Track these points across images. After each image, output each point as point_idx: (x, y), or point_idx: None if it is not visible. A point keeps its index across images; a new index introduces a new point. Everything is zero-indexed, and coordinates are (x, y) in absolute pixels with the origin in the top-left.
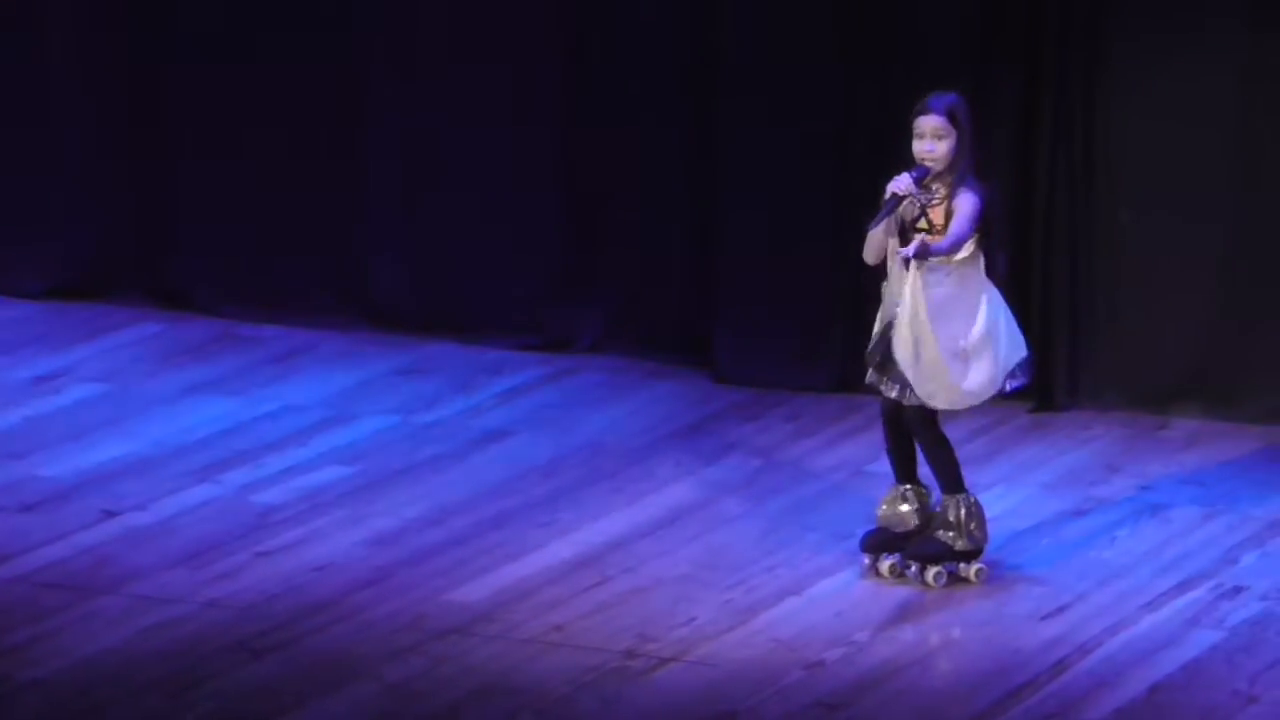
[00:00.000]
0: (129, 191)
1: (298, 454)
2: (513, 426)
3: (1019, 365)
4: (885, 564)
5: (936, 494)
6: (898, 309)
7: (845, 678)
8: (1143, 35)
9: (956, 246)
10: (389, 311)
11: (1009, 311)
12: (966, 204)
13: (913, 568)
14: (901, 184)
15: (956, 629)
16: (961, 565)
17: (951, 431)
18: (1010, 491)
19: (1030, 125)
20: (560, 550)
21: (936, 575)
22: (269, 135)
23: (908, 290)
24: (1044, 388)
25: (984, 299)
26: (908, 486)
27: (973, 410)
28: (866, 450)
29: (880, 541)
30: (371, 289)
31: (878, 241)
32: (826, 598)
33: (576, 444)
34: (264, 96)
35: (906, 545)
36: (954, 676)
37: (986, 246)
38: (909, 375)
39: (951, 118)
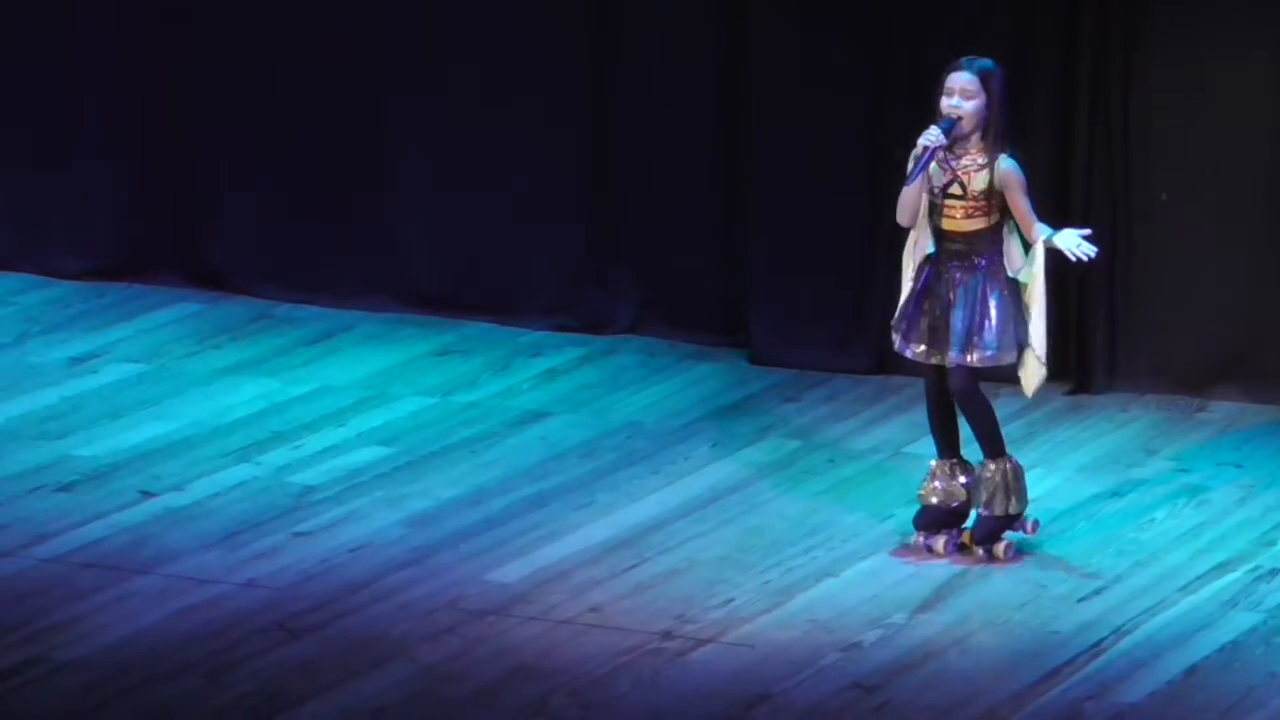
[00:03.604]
0: (167, 172)
1: (335, 434)
2: (550, 408)
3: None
4: (939, 541)
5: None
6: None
7: (882, 659)
8: (1181, 15)
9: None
10: (426, 293)
11: None
12: (1017, 179)
13: (981, 550)
14: (930, 136)
15: (993, 611)
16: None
17: None
18: (1048, 473)
19: (1067, 110)
20: (597, 531)
21: (1006, 549)
22: (305, 116)
23: (1039, 269)
24: (1082, 370)
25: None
26: (954, 460)
27: (1010, 392)
28: (905, 432)
29: (935, 519)
30: (408, 270)
31: (912, 201)
32: (864, 579)
33: (614, 425)
34: (298, 80)
35: (958, 520)
36: (991, 658)
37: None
38: (1037, 343)
39: (983, 79)
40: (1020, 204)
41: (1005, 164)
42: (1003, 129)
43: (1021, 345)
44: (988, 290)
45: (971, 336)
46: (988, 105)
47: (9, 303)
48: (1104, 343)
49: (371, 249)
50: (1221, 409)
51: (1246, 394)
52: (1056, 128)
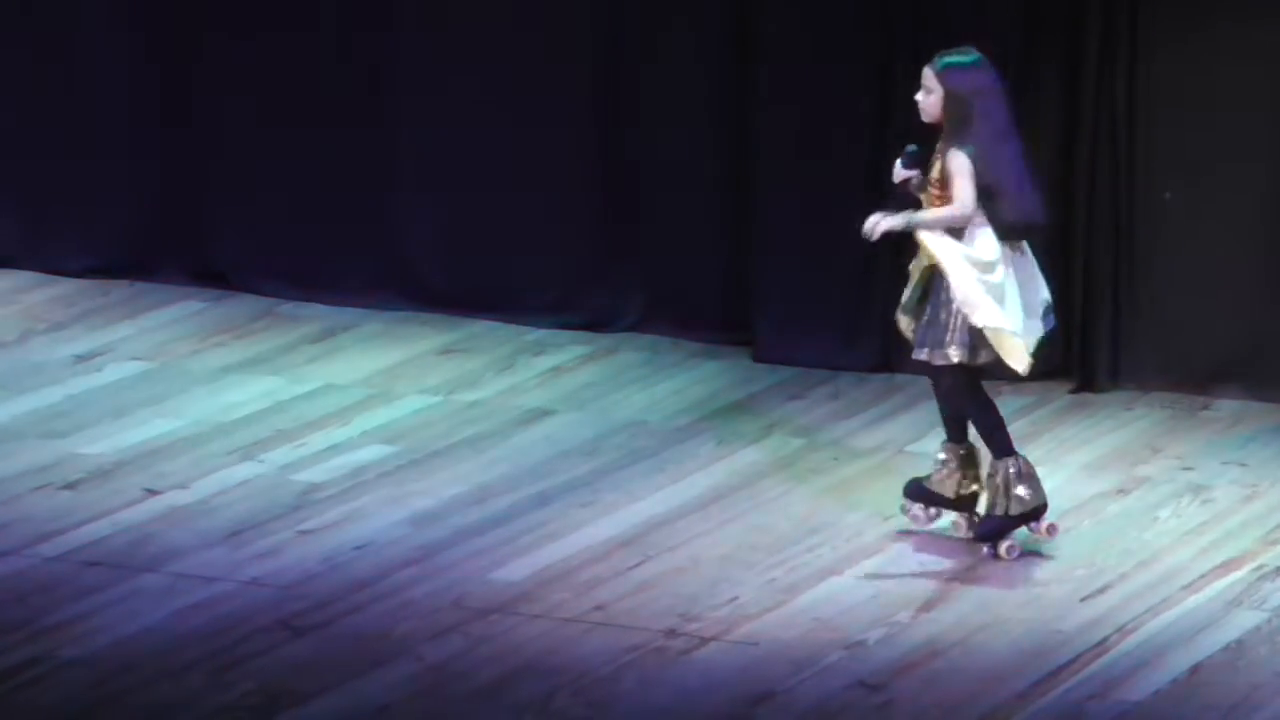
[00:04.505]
0: (171, 170)
1: (339, 433)
2: (554, 406)
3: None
4: (918, 509)
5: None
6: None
7: (886, 658)
8: (1187, 9)
9: (956, 215)
10: (430, 290)
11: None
12: (958, 164)
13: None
14: (896, 174)
15: (997, 609)
16: (1031, 525)
17: None
18: (1052, 471)
19: (1073, 108)
20: (601, 530)
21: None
22: (309, 113)
23: (933, 260)
24: (1086, 368)
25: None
26: (959, 448)
27: (1015, 389)
28: (908, 430)
29: (919, 494)
30: (412, 268)
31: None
32: (868, 578)
33: (618, 423)
34: (302, 77)
35: (940, 505)
36: (995, 657)
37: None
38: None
39: (940, 74)
40: (955, 187)
41: (954, 153)
42: (962, 123)
43: (944, 346)
44: (941, 286)
45: (920, 334)
46: (945, 101)
47: (13, 300)
48: (1108, 341)
49: (375, 247)
50: (1226, 407)
51: (1251, 392)
52: (1060, 124)
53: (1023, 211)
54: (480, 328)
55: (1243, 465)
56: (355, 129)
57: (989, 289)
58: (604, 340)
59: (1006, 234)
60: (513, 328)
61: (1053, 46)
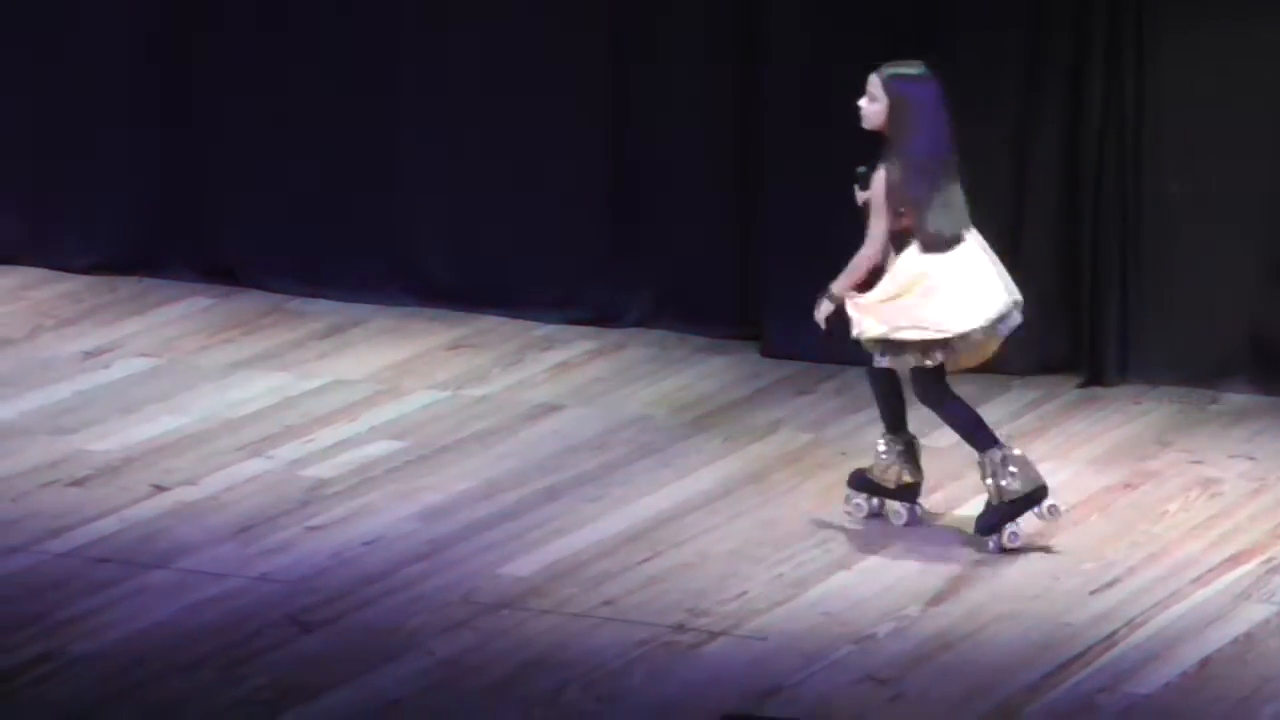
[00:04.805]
0: (178, 166)
1: (347, 428)
2: (561, 401)
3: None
4: (861, 500)
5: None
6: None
7: (896, 651)
8: (1191, 12)
9: (864, 262)
10: (438, 286)
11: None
12: (874, 189)
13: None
14: (858, 198)
15: (1007, 603)
16: (1035, 509)
17: (1000, 406)
18: (1060, 466)
19: (1079, 101)
20: (610, 524)
21: (1010, 536)
22: (316, 108)
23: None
24: (1094, 363)
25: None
26: (899, 440)
27: (1022, 384)
28: (914, 424)
29: (863, 484)
30: (420, 264)
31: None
32: (877, 572)
33: (625, 418)
34: (309, 72)
35: (881, 495)
36: (1004, 650)
37: (913, 222)
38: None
39: (885, 84)
40: (870, 219)
41: (876, 175)
42: (900, 134)
43: (901, 354)
44: None
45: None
46: (889, 111)
47: (21, 297)
48: (1116, 336)
49: (383, 242)
50: (1233, 401)
51: (1258, 386)
52: (1067, 123)
53: (944, 225)
54: (488, 323)
55: (1251, 459)
56: (358, 128)
57: (911, 302)
58: (611, 335)
59: (930, 245)
60: (520, 323)
61: (1058, 45)
